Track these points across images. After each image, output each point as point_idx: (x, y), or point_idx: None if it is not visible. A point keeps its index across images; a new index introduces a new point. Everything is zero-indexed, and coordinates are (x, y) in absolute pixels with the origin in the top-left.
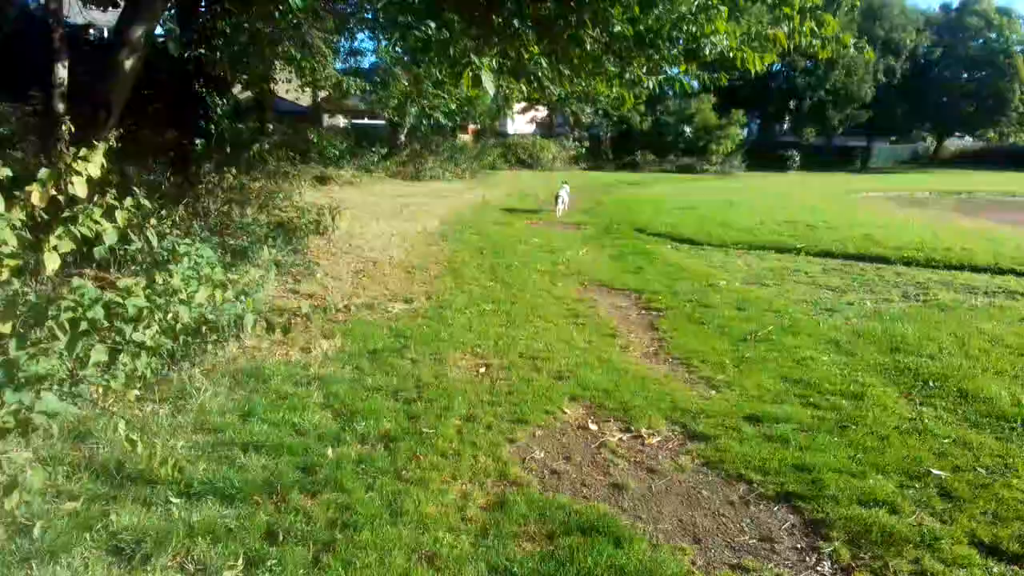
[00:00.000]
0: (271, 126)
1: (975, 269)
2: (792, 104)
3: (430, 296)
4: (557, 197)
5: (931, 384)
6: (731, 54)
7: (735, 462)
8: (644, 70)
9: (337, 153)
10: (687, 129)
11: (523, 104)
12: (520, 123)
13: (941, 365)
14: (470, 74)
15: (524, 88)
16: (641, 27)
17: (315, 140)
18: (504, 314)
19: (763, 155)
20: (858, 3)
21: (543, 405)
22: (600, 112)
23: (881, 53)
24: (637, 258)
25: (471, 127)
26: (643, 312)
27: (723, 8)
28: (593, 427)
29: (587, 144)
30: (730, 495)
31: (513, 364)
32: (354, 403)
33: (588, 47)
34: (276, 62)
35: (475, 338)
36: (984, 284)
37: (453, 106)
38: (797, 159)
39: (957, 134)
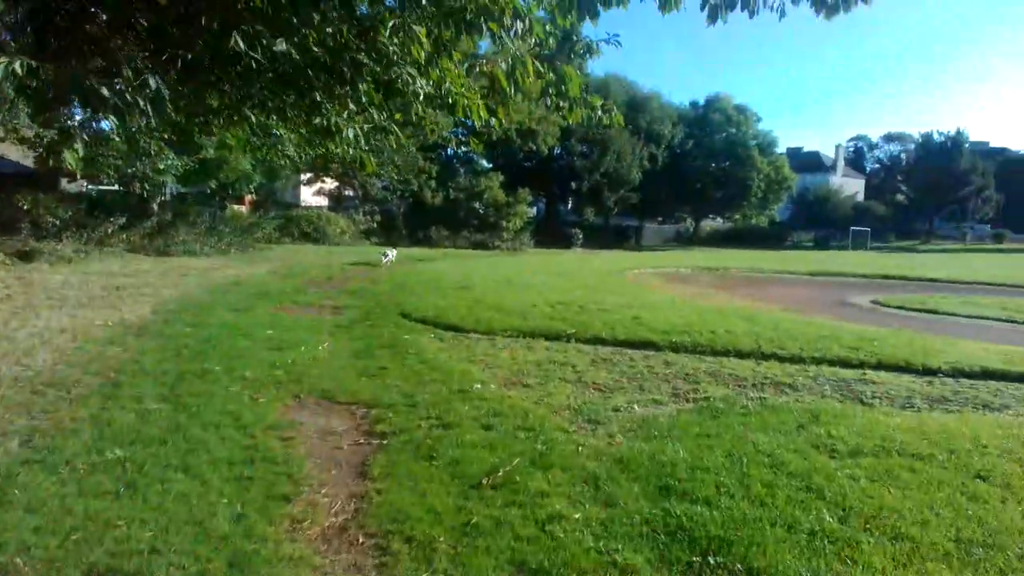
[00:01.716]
0: None
1: (740, 355)
2: (573, 185)
3: (29, 439)
4: (384, 256)
5: (712, 560)
6: (449, 98)
7: None
8: (340, 113)
9: (57, 223)
10: (477, 205)
11: (308, 175)
12: (307, 194)
13: (721, 518)
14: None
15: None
16: (312, 45)
17: (25, 208)
18: (133, 466)
19: (550, 232)
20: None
21: None
22: (390, 187)
23: (645, 142)
24: (386, 354)
25: (247, 197)
26: (360, 442)
27: (419, 29)
28: None
29: (378, 218)
30: None
31: None
32: None
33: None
34: None
35: (47, 526)
36: (751, 374)
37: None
38: (580, 237)
39: (711, 216)
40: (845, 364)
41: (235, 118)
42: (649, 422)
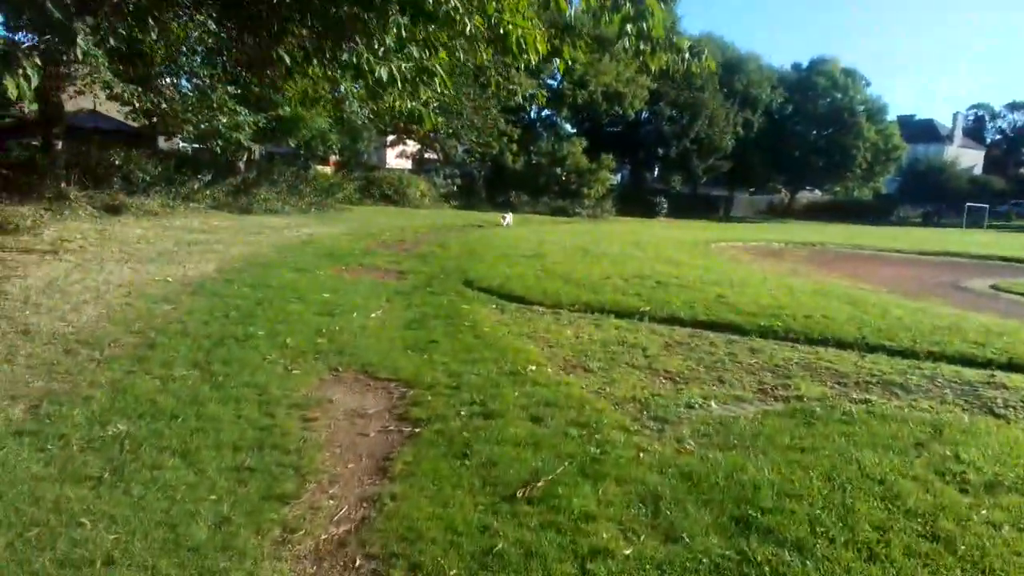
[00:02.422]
0: (60, 144)
1: (840, 345)
2: (660, 151)
3: (37, 405)
4: (504, 218)
5: None
6: (500, 27)
7: None
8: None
9: (147, 178)
10: (558, 171)
11: (391, 137)
12: (392, 157)
13: (817, 572)
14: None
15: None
16: None
17: (117, 163)
18: (131, 445)
19: (634, 200)
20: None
21: None
22: (470, 151)
23: (740, 106)
24: (440, 325)
25: (332, 158)
26: (390, 428)
27: None
28: None
29: (459, 182)
30: None
31: None
32: None
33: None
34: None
35: (3, 518)
36: (853, 369)
37: (259, 123)
38: (665, 205)
39: (808, 187)
40: (968, 362)
41: (284, 67)
42: (728, 425)
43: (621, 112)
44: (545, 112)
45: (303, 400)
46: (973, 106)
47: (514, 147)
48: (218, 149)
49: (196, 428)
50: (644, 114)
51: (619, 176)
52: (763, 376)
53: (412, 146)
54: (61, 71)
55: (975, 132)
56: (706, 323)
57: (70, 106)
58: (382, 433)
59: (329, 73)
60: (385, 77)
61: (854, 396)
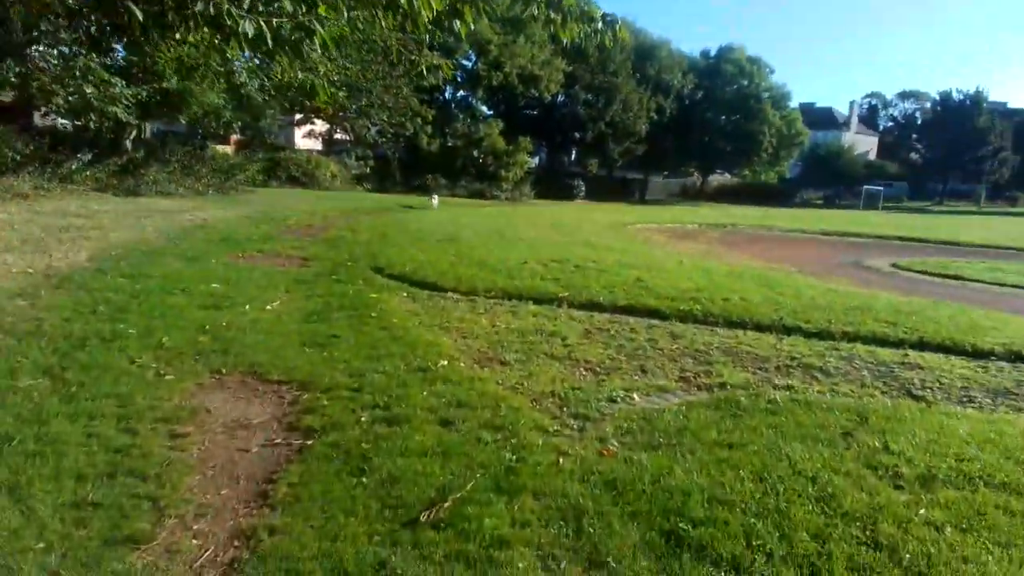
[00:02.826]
0: None
1: (758, 327)
2: (577, 135)
3: None
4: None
5: None
6: None
7: None
8: None
9: (17, 158)
10: (476, 153)
11: (298, 116)
12: (300, 138)
13: None
14: None
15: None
16: None
17: None
18: None
19: (551, 183)
20: None
21: None
22: (383, 131)
23: (653, 92)
24: (343, 317)
25: (233, 137)
26: (277, 441)
27: None
28: None
29: (372, 164)
30: None
31: None
32: None
33: None
34: None
35: None
36: (773, 353)
37: (139, 96)
38: (583, 189)
39: (719, 171)
40: (882, 342)
41: (138, 24)
42: (652, 420)
43: (537, 95)
44: (461, 93)
45: (173, 411)
46: (868, 95)
47: (429, 128)
48: (93, 124)
49: (33, 453)
50: (560, 97)
51: (536, 159)
52: (685, 363)
53: (321, 126)
54: None
55: (869, 120)
56: (626, 308)
57: None
58: (267, 447)
59: (186, 31)
60: (251, 33)
61: (777, 382)
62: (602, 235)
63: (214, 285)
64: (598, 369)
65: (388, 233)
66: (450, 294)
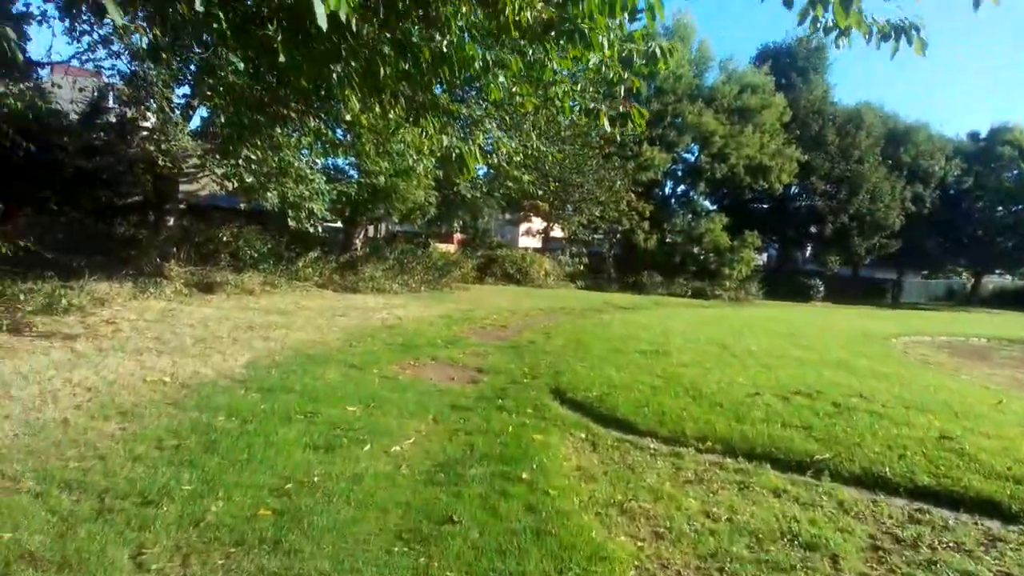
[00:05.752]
0: (171, 220)
1: None
2: (813, 229)
3: None
4: None
5: None
6: None
7: None
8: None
9: (255, 255)
10: (696, 249)
11: (517, 214)
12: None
13: None
14: None
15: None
16: None
17: (226, 240)
18: None
19: (784, 282)
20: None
21: None
22: (593, 226)
23: (908, 180)
24: (482, 477)
25: (456, 236)
26: None
27: None
28: None
29: (586, 261)
30: None
31: None
32: None
33: None
34: None
35: None
36: None
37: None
38: (821, 288)
39: (997, 272)
40: None
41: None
42: None
43: (767, 187)
44: (681, 188)
45: None
46: None
47: (646, 224)
48: (291, 220)
49: None
50: (793, 189)
51: (765, 256)
52: None
53: (539, 224)
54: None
55: None
56: (933, 492)
57: (196, 186)
58: None
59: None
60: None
61: None
62: (858, 351)
63: (350, 408)
64: None
65: (584, 340)
66: (645, 439)
